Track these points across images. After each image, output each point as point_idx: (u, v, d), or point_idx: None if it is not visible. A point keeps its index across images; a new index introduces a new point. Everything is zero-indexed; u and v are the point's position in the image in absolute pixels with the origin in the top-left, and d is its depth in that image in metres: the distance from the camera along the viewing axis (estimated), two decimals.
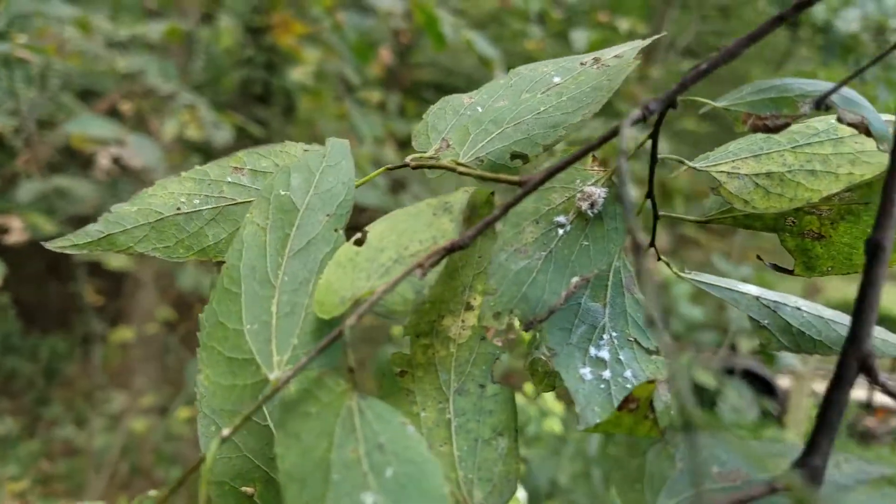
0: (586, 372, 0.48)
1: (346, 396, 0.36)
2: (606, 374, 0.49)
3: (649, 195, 0.55)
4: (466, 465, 0.43)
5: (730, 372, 3.53)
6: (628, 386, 0.49)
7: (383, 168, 0.53)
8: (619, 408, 0.43)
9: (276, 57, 3.59)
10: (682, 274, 0.60)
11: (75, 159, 3.43)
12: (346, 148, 0.50)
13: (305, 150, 0.51)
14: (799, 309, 0.57)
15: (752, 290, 0.58)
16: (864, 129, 0.46)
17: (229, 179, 0.55)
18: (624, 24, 3.36)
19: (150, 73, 3.00)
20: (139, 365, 3.94)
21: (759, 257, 0.62)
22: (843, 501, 0.20)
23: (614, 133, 0.42)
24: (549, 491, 2.65)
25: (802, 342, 0.56)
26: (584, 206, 0.48)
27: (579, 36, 3.17)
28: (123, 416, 3.63)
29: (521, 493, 1.44)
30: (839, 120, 0.46)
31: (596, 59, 0.58)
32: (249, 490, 0.41)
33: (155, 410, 3.74)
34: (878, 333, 0.54)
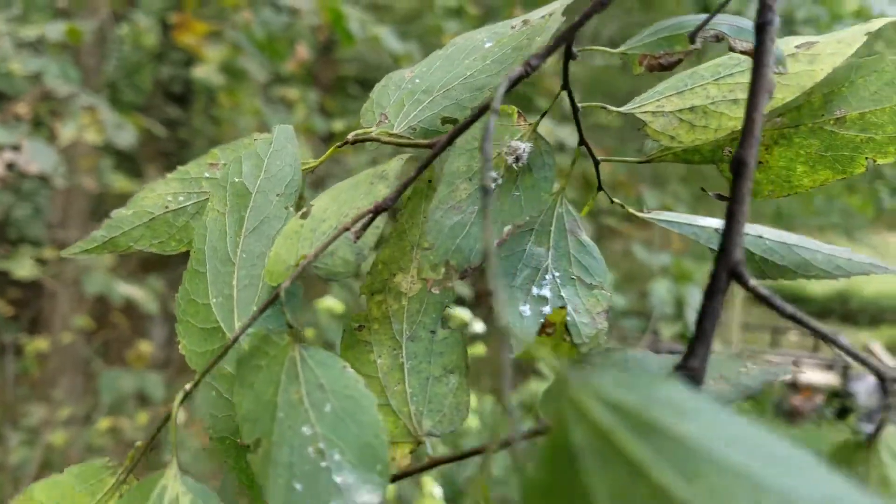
0: (526, 309, 0.53)
1: (290, 348, 0.42)
2: (546, 309, 0.53)
3: (581, 142, 0.59)
4: (417, 399, 0.49)
5: None
6: (568, 318, 0.53)
7: (333, 147, 0.58)
8: (538, 333, 0.48)
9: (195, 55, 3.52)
10: (641, 213, 0.63)
11: None
12: (291, 133, 0.55)
13: (255, 140, 0.56)
14: (761, 237, 0.58)
15: (713, 222, 0.60)
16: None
17: (207, 175, 0.60)
18: None
19: (50, 75, 2.92)
20: (57, 376, 3.75)
21: (703, 189, 0.65)
22: None
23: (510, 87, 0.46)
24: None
25: (767, 268, 0.58)
26: (510, 160, 0.53)
27: None
28: (43, 429, 3.43)
29: (437, 491, 1.46)
30: (731, 49, 0.49)
31: (525, 21, 0.62)
32: None
33: (76, 421, 3.56)
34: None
